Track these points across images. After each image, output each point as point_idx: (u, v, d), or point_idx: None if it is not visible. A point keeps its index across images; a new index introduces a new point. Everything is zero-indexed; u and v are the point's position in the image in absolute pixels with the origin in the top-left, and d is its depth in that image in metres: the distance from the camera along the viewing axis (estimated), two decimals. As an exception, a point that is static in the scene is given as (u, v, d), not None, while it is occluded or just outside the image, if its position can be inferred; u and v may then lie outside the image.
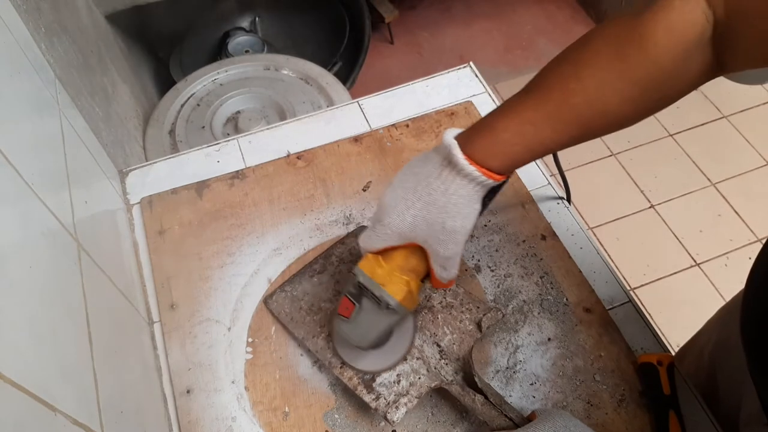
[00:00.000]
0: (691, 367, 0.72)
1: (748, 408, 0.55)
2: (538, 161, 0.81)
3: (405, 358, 0.60)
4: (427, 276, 0.53)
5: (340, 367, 0.60)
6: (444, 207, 0.47)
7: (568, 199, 0.77)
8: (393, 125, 0.84)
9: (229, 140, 0.84)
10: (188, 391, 0.63)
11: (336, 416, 0.61)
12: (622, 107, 0.44)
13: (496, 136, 0.45)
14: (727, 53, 0.41)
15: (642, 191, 1.81)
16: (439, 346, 0.61)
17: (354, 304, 0.53)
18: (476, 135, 0.46)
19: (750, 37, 0.39)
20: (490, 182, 0.46)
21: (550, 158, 0.71)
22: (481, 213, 0.49)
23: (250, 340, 0.66)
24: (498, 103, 0.86)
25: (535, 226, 0.74)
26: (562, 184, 0.76)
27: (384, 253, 0.52)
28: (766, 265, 0.47)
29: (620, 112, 0.44)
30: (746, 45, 0.39)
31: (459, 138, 0.47)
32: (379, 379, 0.59)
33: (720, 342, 0.67)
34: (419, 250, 0.50)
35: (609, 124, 0.45)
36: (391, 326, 0.55)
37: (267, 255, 0.72)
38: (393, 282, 0.51)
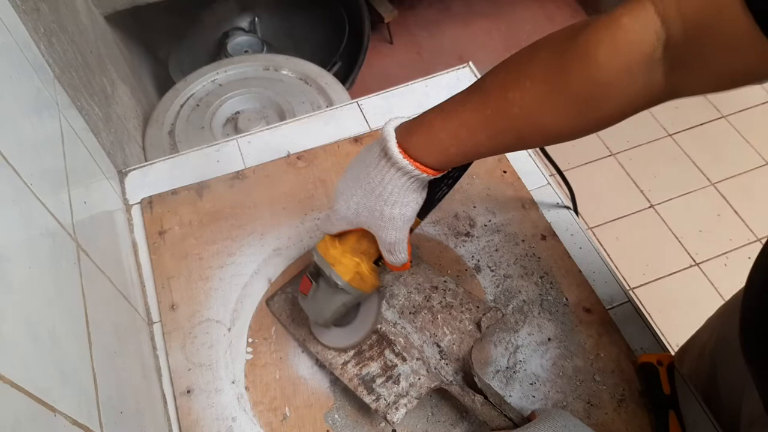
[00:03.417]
0: (690, 367, 0.72)
1: (750, 408, 0.55)
2: (538, 162, 0.81)
3: (370, 338, 0.61)
4: (381, 257, 0.55)
5: (341, 368, 0.60)
6: (381, 195, 0.49)
7: (575, 210, 0.77)
8: (393, 125, 0.84)
9: (228, 140, 0.84)
10: (188, 391, 0.63)
11: (336, 416, 0.61)
12: (558, 122, 0.43)
13: (433, 135, 0.46)
14: (681, 74, 0.38)
15: (641, 191, 1.81)
16: (438, 346, 0.61)
17: (311, 282, 0.56)
18: (415, 130, 0.47)
19: (712, 56, 0.36)
20: (425, 176, 0.47)
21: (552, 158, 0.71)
22: (432, 204, 0.52)
23: (250, 340, 0.66)
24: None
25: (534, 226, 0.74)
26: (567, 193, 0.76)
27: (340, 235, 0.55)
28: (767, 266, 0.47)
29: (556, 126, 0.43)
30: (706, 65, 0.37)
31: (399, 129, 0.48)
32: (379, 380, 0.59)
33: (720, 341, 0.67)
34: (370, 234, 0.52)
35: (545, 138, 0.45)
36: (347, 306, 0.57)
37: (267, 255, 0.72)
38: (343, 263, 0.54)
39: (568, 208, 0.77)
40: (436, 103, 0.49)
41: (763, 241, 0.47)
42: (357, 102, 0.88)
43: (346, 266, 0.54)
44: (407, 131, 0.47)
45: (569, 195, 0.77)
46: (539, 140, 0.46)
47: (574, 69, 0.40)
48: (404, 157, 0.46)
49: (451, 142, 0.46)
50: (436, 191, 0.52)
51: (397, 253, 0.52)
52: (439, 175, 0.48)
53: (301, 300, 0.59)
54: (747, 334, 0.46)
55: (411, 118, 0.49)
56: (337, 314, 0.57)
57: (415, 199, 0.49)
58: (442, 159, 0.47)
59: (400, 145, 0.46)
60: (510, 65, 0.44)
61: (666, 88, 0.39)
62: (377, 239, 0.51)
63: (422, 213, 0.52)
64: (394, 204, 0.48)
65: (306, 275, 0.57)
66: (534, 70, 0.42)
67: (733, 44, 0.34)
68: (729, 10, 0.33)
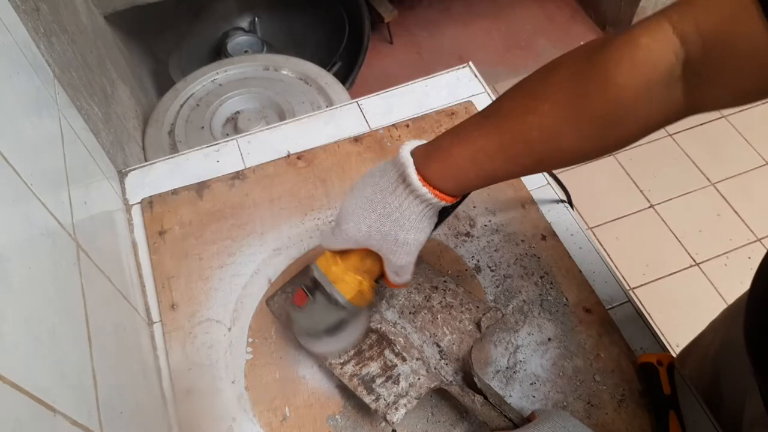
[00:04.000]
0: (694, 369, 0.72)
1: (752, 410, 0.55)
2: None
3: (358, 347, 0.61)
4: (382, 276, 0.55)
5: (340, 368, 0.60)
6: (397, 221, 0.48)
7: (570, 203, 0.77)
8: (393, 125, 0.84)
9: (228, 140, 0.84)
10: (188, 391, 0.63)
11: (336, 417, 0.61)
12: (578, 144, 0.42)
13: (451, 161, 0.46)
14: (701, 91, 0.38)
15: (641, 191, 1.81)
16: (438, 346, 0.61)
17: (308, 296, 0.56)
18: (432, 156, 0.46)
19: (733, 72, 0.36)
20: (443, 203, 0.47)
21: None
22: (438, 224, 0.51)
23: (250, 340, 0.66)
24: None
25: (535, 226, 0.74)
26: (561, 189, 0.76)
27: (342, 252, 0.54)
28: None
29: (576, 148, 0.43)
30: (727, 81, 0.37)
31: (416, 154, 0.47)
32: (379, 380, 0.59)
33: (724, 344, 0.67)
34: (374, 253, 0.52)
35: (564, 160, 0.45)
36: (343, 321, 0.57)
37: (267, 255, 0.72)
38: (345, 281, 0.53)
39: (563, 201, 0.77)
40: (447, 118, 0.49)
41: (764, 241, 0.47)
42: (357, 102, 0.88)
43: (349, 284, 0.54)
44: (425, 157, 0.46)
45: (565, 194, 0.77)
46: (558, 162, 0.45)
47: (594, 90, 0.40)
48: (424, 185, 0.46)
49: (470, 168, 0.45)
50: (444, 213, 0.52)
51: (404, 275, 0.52)
52: (456, 201, 0.48)
53: (292, 311, 0.59)
54: (752, 335, 0.46)
55: (426, 142, 0.49)
56: (331, 328, 0.57)
57: (429, 225, 0.49)
58: (461, 185, 0.47)
59: (419, 171, 0.46)
60: (526, 88, 0.44)
61: (686, 105, 0.39)
62: (385, 261, 0.51)
63: None
64: (409, 230, 0.48)
65: (301, 288, 0.57)
66: (552, 93, 0.42)
67: (756, 60, 0.34)
68: (750, 25, 0.33)
